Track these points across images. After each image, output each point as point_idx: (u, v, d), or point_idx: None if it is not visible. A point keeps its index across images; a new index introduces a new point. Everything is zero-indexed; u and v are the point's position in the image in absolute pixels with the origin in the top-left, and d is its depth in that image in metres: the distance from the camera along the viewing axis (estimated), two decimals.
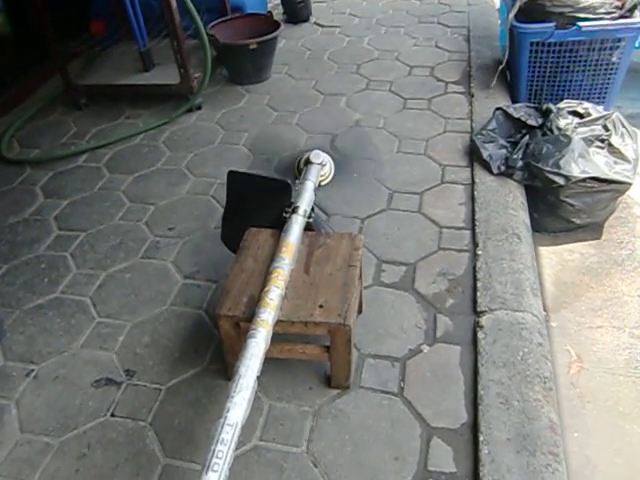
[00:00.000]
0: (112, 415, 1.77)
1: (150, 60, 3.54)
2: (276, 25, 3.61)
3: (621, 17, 2.77)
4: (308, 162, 1.95)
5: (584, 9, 2.77)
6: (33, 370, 1.94)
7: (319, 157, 1.95)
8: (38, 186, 2.88)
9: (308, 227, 1.83)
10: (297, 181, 1.94)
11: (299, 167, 1.99)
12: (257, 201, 1.91)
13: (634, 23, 2.77)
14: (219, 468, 1.18)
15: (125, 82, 3.46)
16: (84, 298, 2.20)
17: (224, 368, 1.83)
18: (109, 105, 3.53)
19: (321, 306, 1.59)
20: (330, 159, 2.01)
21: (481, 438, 1.58)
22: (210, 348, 1.94)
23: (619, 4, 2.77)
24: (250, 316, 1.55)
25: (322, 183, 1.98)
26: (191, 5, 3.04)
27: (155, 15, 3.63)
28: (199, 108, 3.41)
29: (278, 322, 1.55)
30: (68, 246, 2.46)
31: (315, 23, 4.55)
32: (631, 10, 2.77)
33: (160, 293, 2.18)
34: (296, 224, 1.74)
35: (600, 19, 2.76)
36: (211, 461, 1.18)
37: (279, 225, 1.81)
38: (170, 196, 2.71)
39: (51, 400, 1.83)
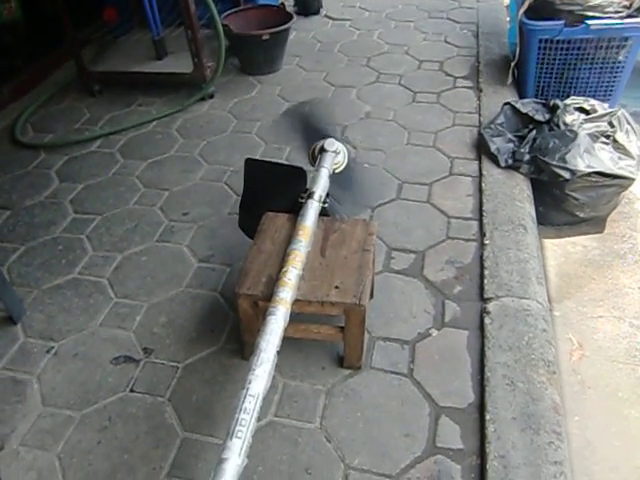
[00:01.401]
0: (131, 391, 1.83)
1: (163, 49, 3.59)
2: (288, 17, 3.66)
3: (629, 17, 2.82)
4: (323, 150, 2.01)
5: (593, 8, 2.82)
6: (53, 347, 2.00)
7: (333, 145, 2.01)
8: (53, 170, 2.93)
9: (323, 212, 1.89)
10: (312, 168, 2.00)
11: (314, 155, 2.05)
12: (274, 187, 1.97)
13: None
14: (242, 435, 1.24)
15: (138, 70, 3.51)
16: (101, 279, 2.26)
17: (240, 347, 1.90)
18: (122, 92, 3.58)
19: (337, 287, 1.66)
20: (344, 148, 2.07)
21: (487, 417, 1.65)
22: (225, 329, 2.01)
23: (627, 4, 2.82)
24: (268, 295, 1.62)
25: (336, 171, 2.03)
26: None
27: (168, 4, 3.67)
28: (211, 97, 3.46)
29: (296, 301, 1.61)
30: (84, 229, 2.52)
31: (326, 16, 4.59)
32: (639, 10, 2.82)
33: (176, 275, 2.24)
34: (312, 209, 1.80)
35: (608, 18, 2.81)
36: (235, 428, 1.25)
37: (295, 210, 1.87)
38: (184, 182, 2.77)
39: (72, 376, 1.90)
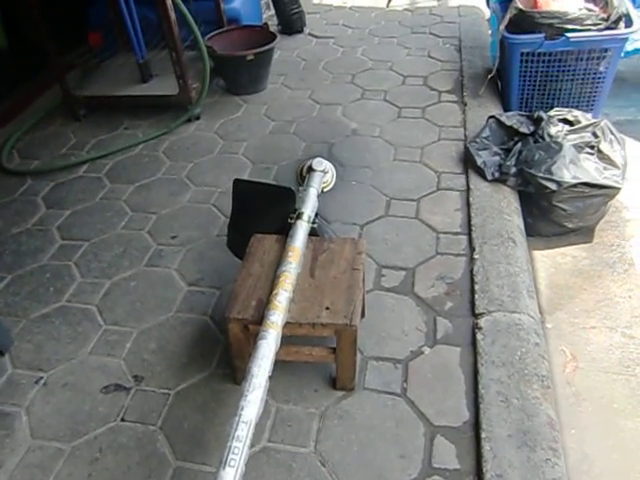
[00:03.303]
0: (122, 420, 1.80)
1: (148, 71, 3.60)
2: (272, 36, 3.68)
3: (607, 28, 2.86)
4: (311, 169, 2.01)
5: (572, 21, 2.86)
6: (42, 377, 1.97)
7: (321, 164, 2.02)
8: (40, 197, 2.91)
9: (312, 232, 1.89)
10: (300, 188, 2.00)
11: (302, 174, 2.05)
12: (262, 208, 1.97)
13: (619, 34, 2.87)
14: (235, 463, 1.23)
15: (124, 93, 3.51)
16: (90, 306, 2.23)
17: (231, 372, 1.88)
18: (108, 116, 3.57)
19: (327, 308, 1.65)
20: (332, 166, 2.07)
21: (483, 435, 1.64)
22: (217, 353, 1.98)
23: (605, 16, 2.87)
24: (259, 319, 1.61)
25: (324, 190, 2.04)
26: (190, 18, 3.11)
27: (152, 27, 3.68)
28: (197, 118, 3.46)
29: (286, 324, 1.60)
30: (72, 255, 2.50)
31: (309, 34, 4.62)
32: (616, 22, 2.87)
33: (165, 300, 2.22)
34: (301, 229, 1.80)
35: (587, 30, 2.86)
36: (228, 457, 1.23)
37: (284, 231, 1.87)
38: (172, 205, 2.75)
39: (61, 406, 1.86)
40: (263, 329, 1.53)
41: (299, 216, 1.84)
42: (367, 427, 1.72)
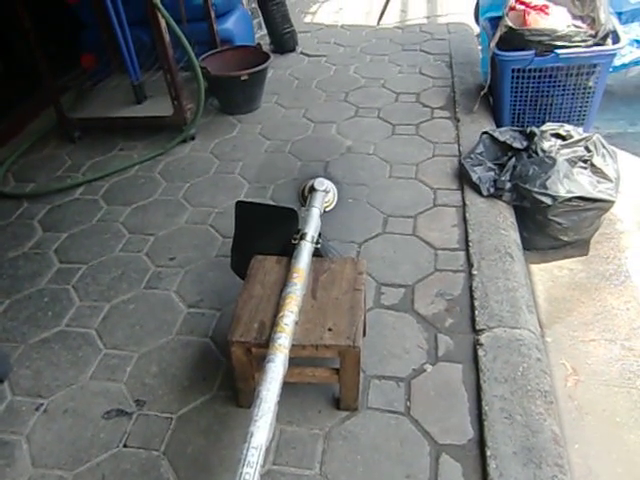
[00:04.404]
0: (125, 446, 1.78)
1: (143, 93, 3.61)
2: (265, 56, 3.71)
3: (595, 44, 2.92)
4: (313, 189, 2.03)
5: (561, 37, 2.91)
6: (42, 404, 1.95)
7: (323, 184, 2.04)
8: (36, 220, 2.90)
9: (316, 253, 1.89)
10: (303, 208, 2.01)
11: (304, 194, 2.06)
12: (265, 229, 1.97)
13: (607, 50, 2.92)
14: None
15: (118, 115, 3.52)
16: (89, 330, 2.22)
17: (234, 395, 1.87)
18: (103, 138, 3.58)
19: (330, 329, 1.65)
20: (333, 186, 2.09)
21: (488, 453, 1.64)
22: (218, 375, 1.97)
23: (593, 32, 2.93)
24: (261, 341, 1.61)
25: (326, 209, 2.05)
26: (184, 39, 3.13)
27: (146, 48, 3.71)
28: (193, 139, 3.48)
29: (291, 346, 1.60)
30: (70, 279, 2.49)
31: (301, 53, 4.67)
32: (604, 38, 2.92)
33: (165, 323, 2.21)
34: (305, 250, 1.81)
35: (576, 47, 2.91)
36: None
37: (288, 252, 1.87)
38: (169, 226, 2.75)
39: (62, 433, 1.84)
40: (271, 352, 1.52)
41: (302, 237, 1.85)
42: (372, 447, 1.71)
